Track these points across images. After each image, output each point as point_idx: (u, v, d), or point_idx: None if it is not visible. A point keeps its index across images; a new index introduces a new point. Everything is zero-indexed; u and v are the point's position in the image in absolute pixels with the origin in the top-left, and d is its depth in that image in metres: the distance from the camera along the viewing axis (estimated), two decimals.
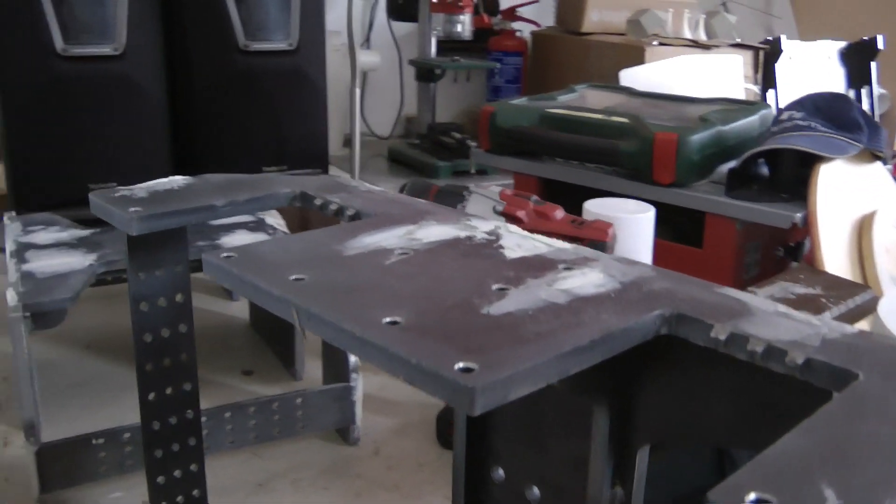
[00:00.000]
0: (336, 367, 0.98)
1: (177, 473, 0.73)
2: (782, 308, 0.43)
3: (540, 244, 0.52)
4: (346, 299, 0.42)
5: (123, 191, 0.64)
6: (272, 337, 1.19)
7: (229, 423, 0.89)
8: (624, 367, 0.48)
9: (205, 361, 1.17)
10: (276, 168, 1.78)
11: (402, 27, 2.50)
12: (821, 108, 1.35)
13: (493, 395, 0.34)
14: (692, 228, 1.26)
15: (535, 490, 0.58)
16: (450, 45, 2.53)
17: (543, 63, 2.58)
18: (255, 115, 1.73)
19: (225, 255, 0.49)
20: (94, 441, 0.82)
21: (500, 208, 0.88)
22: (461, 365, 0.35)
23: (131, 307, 0.67)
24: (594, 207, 0.94)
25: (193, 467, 0.74)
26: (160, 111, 1.63)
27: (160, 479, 0.72)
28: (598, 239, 0.84)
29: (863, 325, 0.81)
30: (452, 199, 0.91)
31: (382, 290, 0.43)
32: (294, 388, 0.97)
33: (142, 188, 0.65)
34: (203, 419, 0.87)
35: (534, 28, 2.65)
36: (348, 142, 2.70)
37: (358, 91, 1.67)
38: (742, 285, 1.02)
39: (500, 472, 0.60)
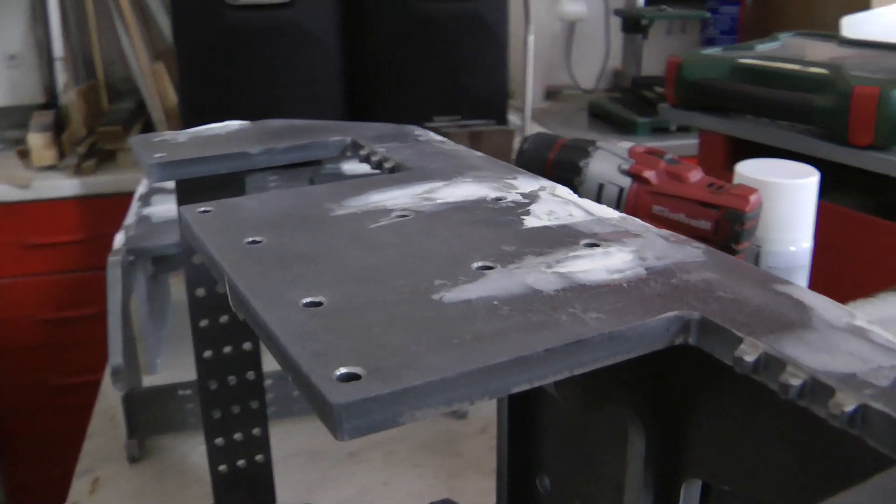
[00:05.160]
0: None
1: (237, 436, 0.69)
2: (861, 322, 0.30)
3: (579, 212, 0.41)
4: (284, 270, 0.34)
5: (167, 135, 0.59)
6: None
7: None
8: (668, 379, 0.37)
9: None
10: (448, 118, 1.72)
11: None
12: None
13: (372, 416, 0.25)
14: (892, 199, 1.06)
15: None
16: None
17: (762, 12, 2.34)
18: (430, 63, 1.68)
19: (201, 209, 0.42)
20: (180, 392, 0.81)
21: (626, 167, 0.76)
22: (343, 371, 0.26)
23: (183, 260, 0.63)
24: (745, 170, 0.79)
25: (256, 431, 0.70)
26: (333, 59, 1.61)
27: (219, 441, 0.69)
28: (735, 207, 0.71)
29: None
30: (576, 155, 0.80)
31: (334, 261, 0.35)
32: None
33: (187, 132, 0.60)
34: None
35: None
36: (553, 94, 2.60)
37: (531, 38, 1.56)
38: None
39: (547, 481, 0.50)
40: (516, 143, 1.76)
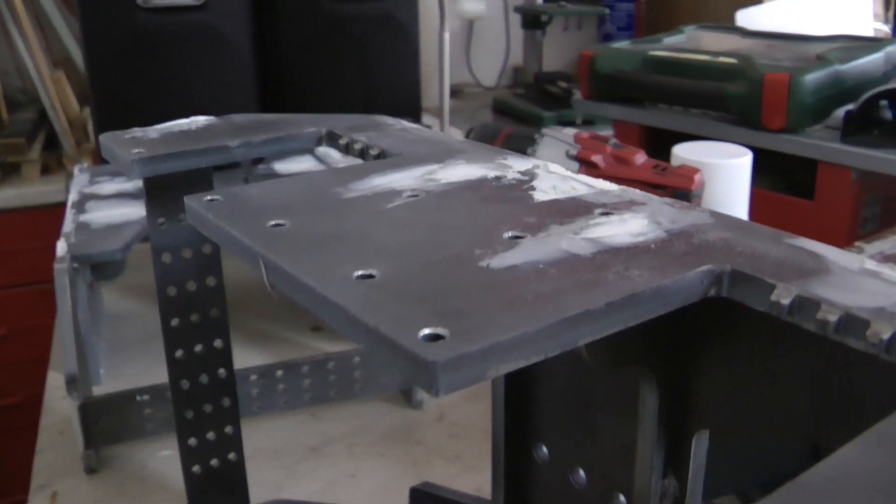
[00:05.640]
0: None
1: (210, 436, 0.69)
2: (871, 265, 0.33)
3: (580, 185, 0.43)
4: (321, 248, 0.35)
5: (136, 132, 0.59)
6: None
7: (282, 382, 0.85)
8: (678, 336, 0.40)
9: (274, 317, 1.14)
10: None
11: None
12: None
13: (464, 371, 0.26)
14: (804, 178, 1.13)
15: (581, 473, 0.50)
16: None
17: (657, 8, 2.43)
18: (344, 63, 1.68)
19: (208, 198, 0.43)
20: (138, 397, 0.79)
21: (573, 152, 0.79)
22: (427, 332, 0.27)
23: (153, 258, 0.62)
24: (683, 152, 0.83)
25: (229, 429, 0.69)
26: (246, 62, 1.60)
27: (192, 441, 0.68)
28: (682, 187, 0.74)
29: None
30: (523, 144, 0.82)
31: (368, 239, 0.36)
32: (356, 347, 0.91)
33: (156, 129, 0.59)
34: (253, 377, 0.83)
35: None
36: (455, 93, 2.63)
37: (447, 35, 1.58)
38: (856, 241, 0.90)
39: (545, 450, 0.52)
40: None
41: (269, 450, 0.84)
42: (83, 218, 0.93)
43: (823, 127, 1.14)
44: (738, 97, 1.18)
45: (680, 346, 0.40)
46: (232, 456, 0.70)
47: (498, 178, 0.45)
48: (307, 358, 0.86)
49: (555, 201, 0.41)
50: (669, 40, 1.50)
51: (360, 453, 0.85)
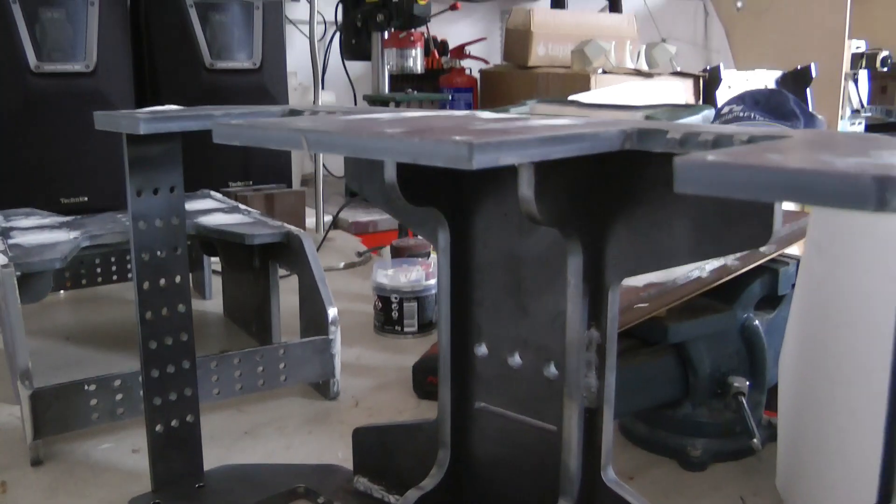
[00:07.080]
0: (314, 324, 1.02)
1: (172, 396, 0.77)
2: (721, 126, 0.49)
3: (510, 116, 0.58)
4: (347, 129, 0.48)
5: (123, 112, 0.69)
6: (248, 321, 1.23)
7: (215, 373, 0.93)
8: (596, 200, 0.55)
9: None
10: (241, 183, 1.84)
11: (356, 67, 2.59)
12: (759, 101, 1.46)
13: (488, 154, 0.40)
14: None
15: (517, 356, 0.63)
16: (402, 84, 2.62)
17: (493, 97, 2.69)
18: None
19: (234, 122, 0.54)
20: (86, 387, 0.85)
21: None
22: (461, 138, 0.41)
23: (132, 226, 0.72)
24: None
25: (188, 391, 0.78)
26: None
27: (156, 401, 0.76)
28: None
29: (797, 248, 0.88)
30: None
31: (378, 125, 0.49)
32: None
33: (142, 111, 0.70)
34: None
35: (483, 66, 2.77)
36: (307, 181, 2.76)
37: (321, 101, 1.74)
38: None
39: (483, 347, 0.65)
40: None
41: (206, 435, 0.91)
42: (12, 241, 0.99)
43: None
44: None
45: (598, 210, 0.55)
46: (189, 418, 0.78)
47: (448, 114, 0.59)
48: (237, 351, 0.95)
49: (500, 118, 0.55)
50: (515, 109, 1.72)
51: (290, 433, 0.93)
